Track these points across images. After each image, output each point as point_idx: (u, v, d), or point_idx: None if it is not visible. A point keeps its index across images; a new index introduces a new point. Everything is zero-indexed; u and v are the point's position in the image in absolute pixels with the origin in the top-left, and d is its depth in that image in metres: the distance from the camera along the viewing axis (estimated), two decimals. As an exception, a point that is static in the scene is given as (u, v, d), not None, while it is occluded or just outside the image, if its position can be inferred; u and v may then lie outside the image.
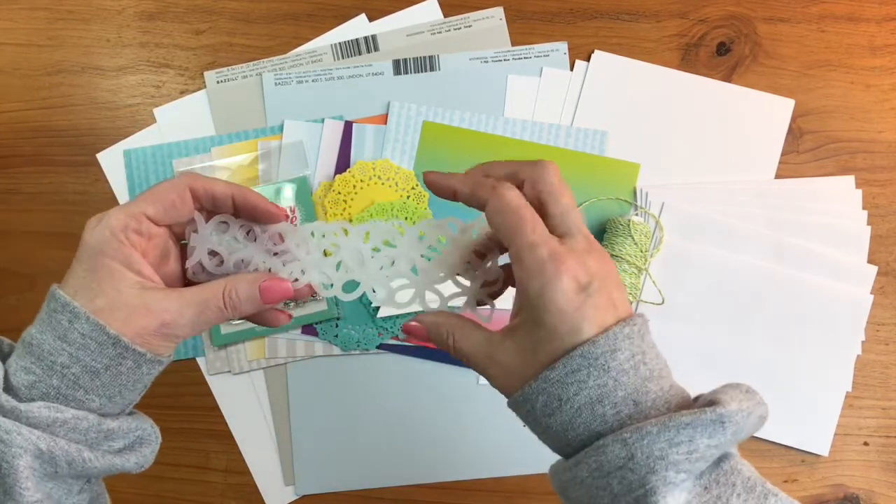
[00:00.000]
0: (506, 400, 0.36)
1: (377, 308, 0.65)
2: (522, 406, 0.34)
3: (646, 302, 0.66)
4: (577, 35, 0.70)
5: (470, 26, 0.70)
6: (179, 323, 0.37)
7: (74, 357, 0.35)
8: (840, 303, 0.66)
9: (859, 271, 0.67)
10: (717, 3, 0.70)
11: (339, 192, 0.66)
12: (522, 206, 0.35)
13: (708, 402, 0.32)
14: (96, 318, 0.35)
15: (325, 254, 0.41)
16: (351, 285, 0.40)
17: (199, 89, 0.69)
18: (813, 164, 0.69)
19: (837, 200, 0.68)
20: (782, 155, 0.69)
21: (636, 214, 0.67)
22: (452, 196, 0.38)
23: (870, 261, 0.67)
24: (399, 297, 0.41)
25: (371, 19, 0.70)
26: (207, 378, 0.66)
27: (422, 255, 0.40)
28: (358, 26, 0.70)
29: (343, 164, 0.68)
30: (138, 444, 0.39)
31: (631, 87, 0.69)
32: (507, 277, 0.40)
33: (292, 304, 0.40)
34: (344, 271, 0.40)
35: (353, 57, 0.70)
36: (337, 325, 0.66)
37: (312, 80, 0.69)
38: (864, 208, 0.68)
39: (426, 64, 0.69)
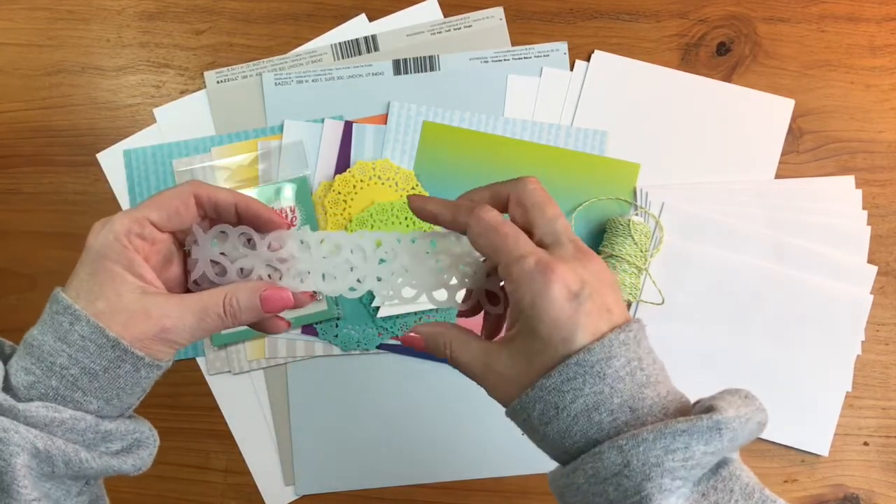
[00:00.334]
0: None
1: (377, 308, 0.65)
2: (520, 414, 0.35)
3: (646, 302, 0.66)
4: (577, 35, 0.70)
5: (470, 26, 0.70)
6: (179, 329, 0.37)
7: (74, 358, 0.35)
8: (840, 303, 0.66)
9: (859, 271, 0.67)
10: (717, 3, 0.70)
11: (339, 192, 0.66)
12: (501, 223, 0.35)
13: (705, 408, 0.32)
14: (96, 320, 0.35)
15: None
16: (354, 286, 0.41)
17: (199, 89, 0.69)
18: (813, 164, 0.69)
19: (837, 200, 0.68)
20: (782, 155, 0.69)
21: (636, 214, 0.67)
22: (434, 220, 0.39)
23: (870, 261, 0.67)
24: (405, 292, 0.41)
25: (371, 19, 0.70)
26: (207, 378, 0.66)
27: (426, 253, 0.41)
28: (358, 26, 0.70)
29: (343, 164, 0.68)
30: (136, 446, 0.39)
31: (631, 87, 0.69)
32: None
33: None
34: (348, 268, 0.41)
35: (353, 57, 0.70)
36: (337, 325, 0.66)
37: (312, 80, 0.69)
38: (864, 208, 0.68)
39: (426, 64, 0.69)
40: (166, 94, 0.69)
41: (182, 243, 0.41)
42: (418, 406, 0.66)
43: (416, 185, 0.67)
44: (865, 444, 0.66)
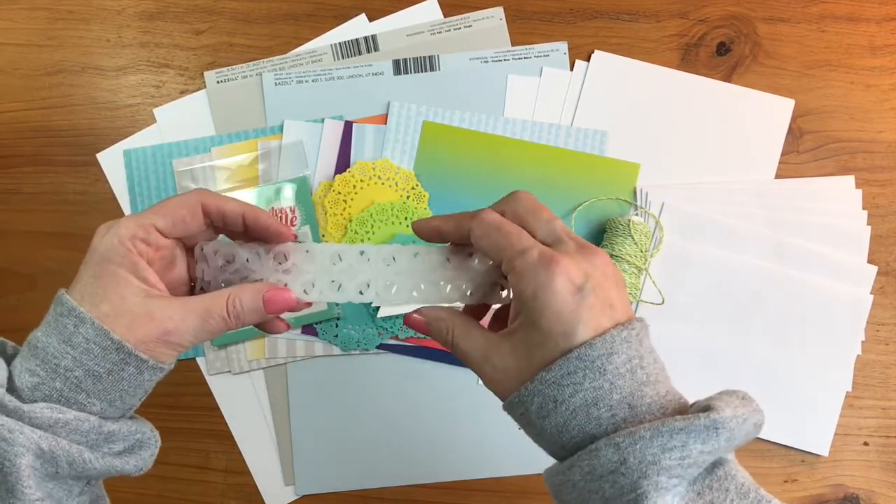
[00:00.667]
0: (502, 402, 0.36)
1: (377, 308, 0.65)
2: (518, 407, 0.35)
3: (646, 302, 0.66)
4: (577, 35, 0.70)
5: (470, 26, 0.70)
6: (182, 331, 0.37)
7: (78, 361, 0.35)
8: (840, 303, 0.66)
9: (859, 271, 0.67)
10: (717, 3, 0.70)
11: (339, 192, 0.66)
12: (504, 222, 0.36)
13: (703, 408, 0.32)
14: (101, 323, 0.35)
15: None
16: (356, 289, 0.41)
17: (199, 89, 0.69)
18: (813, 164, 0.69)
19: (837, 200, 0.68)
20: (782, 155, 0.69)
21: (636, 214, 0.67)
22: (439, 236, 0.39)
23: (870, 261, 0.67)
24: (408, 297, 0.41)
25: (371, 19, 0.70)
26: (207, 378, 0.66)
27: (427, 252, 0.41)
28: (358, 26, 0.70)
29: (343, 164, 0.68)
30: (138, 447, 0.39)
31: (631, 87, 0.69)
32: None
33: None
34: (351, 273, 0.41)
35: (352, 57, 0.70)
36: (337, 325, 0.66)
37: (312, 80, 0.69)
38: (864, 208, 0.68)
39: (426, 64, 0.69)
40: (166, 94, 0.69)
41: (186, 247, 0.41)
42: (418, 406, 0.66)
43: (416, 185, 0.67)
44: (865, 444, 0.66)
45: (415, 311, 0.40)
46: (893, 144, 0.69)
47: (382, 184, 0.67)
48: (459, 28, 0.70)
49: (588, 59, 0.70)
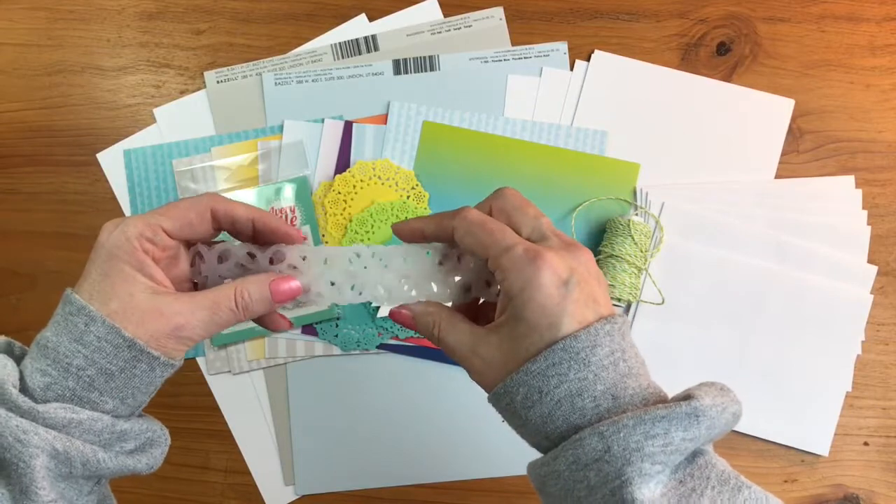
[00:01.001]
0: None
1: (377, 308, 0.65)
2: (503, 398, 0.35)
3: (646, 302, 0.66)
4: (577, 35, 0.70)
5: (470, 26, 0.70)
6: (192, 325, 0.37)
7: (90, 359, 0.36)
8: (840, 303, 0.66)
9: (859, 271, 0.67)
10: (717, 3, 0.70)
11: (339, 192, 0.66)
12: (487, 219, 0.36)
13: (683, 397, 0.33)
14: (112, 321, 0.35)
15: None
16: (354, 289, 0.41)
17: (199, 89, 0.69)
18: (813, 164, 0.69)
19: (837, 200, 0.68)
20: (782, 155, 0.69)
21: (636, 214, 0.67)
22: (421, 237, 0.40)
23: (870, 261, 0.67)
24: (406, 296, 0.41)
25: (371, 19, 0.70)
26: (207, 378, 0.66)
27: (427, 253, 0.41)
28: (358, 26, 0.70)
29: (343, 163, 0.68)
30: (149, 445, 0.40)
31: (631, 87, 0.69)
32: None
33: (290, 304, 0.41)
34: (349, 274, 0.41)
35: (352, 57, 0.70)
36: (337, 325, 0.66)
37: (312, 80, 0.69)
38: (864, 208, 0.68)
39: (426, 64, 0.69)
40: (166, 94, 0.69)
41: (191, 245, 0.42)
42: (418, 406, 0.66)
43: (416, 185, 0.67)
44: (865, 444, 0.66)
45: (401, 306, 0.40)
46: (893, 144, 0.69)
47: (382, 184, 0.67)
48: (459, 28, 0.70)
49: (588, 59, 0.70)
